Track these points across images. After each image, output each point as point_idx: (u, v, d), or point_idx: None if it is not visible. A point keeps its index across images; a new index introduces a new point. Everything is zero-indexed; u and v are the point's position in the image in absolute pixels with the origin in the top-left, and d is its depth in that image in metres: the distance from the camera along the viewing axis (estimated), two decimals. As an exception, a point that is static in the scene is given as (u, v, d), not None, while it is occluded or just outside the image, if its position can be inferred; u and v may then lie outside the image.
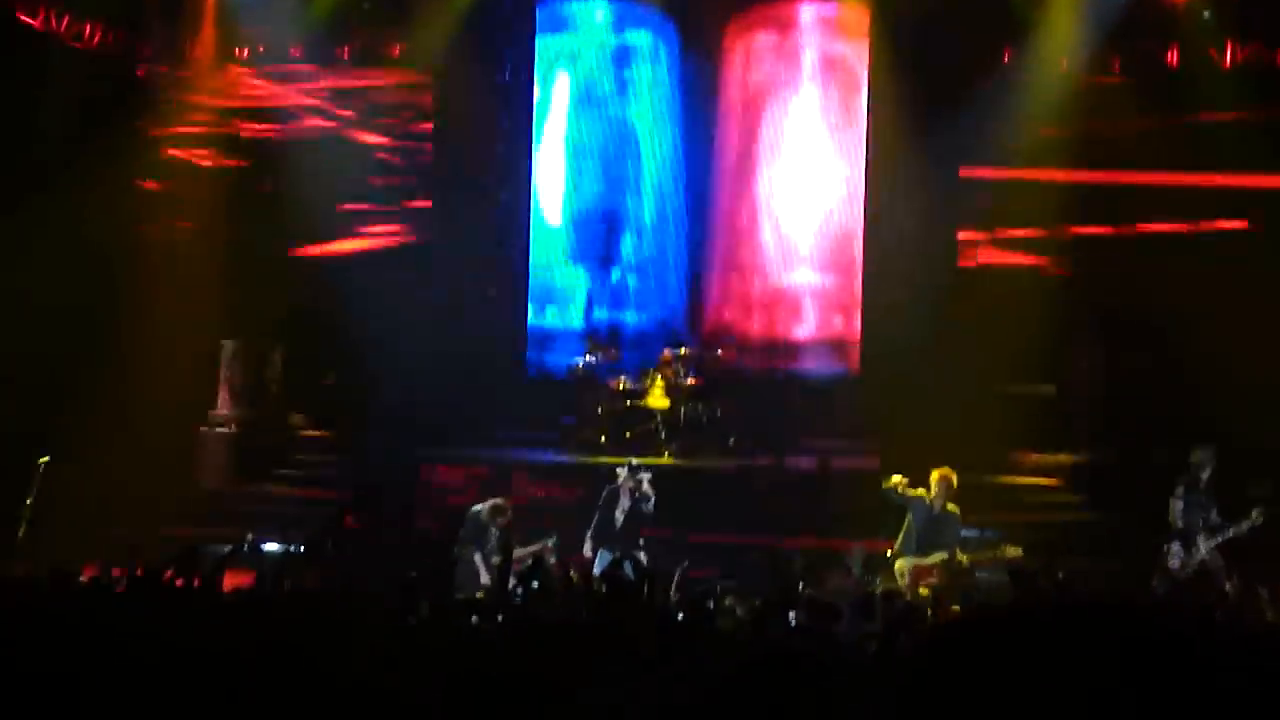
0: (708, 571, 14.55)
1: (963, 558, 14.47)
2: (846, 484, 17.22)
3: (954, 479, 14.76)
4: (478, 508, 15.37)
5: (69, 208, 18.30)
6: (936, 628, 2.03)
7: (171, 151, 20.85)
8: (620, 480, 15.72)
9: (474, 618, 9.81)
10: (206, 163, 20.97)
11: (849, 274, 21.30)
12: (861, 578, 14.74)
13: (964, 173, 20.60)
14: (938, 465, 14.93)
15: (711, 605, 11.08)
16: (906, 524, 14.79)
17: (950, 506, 14.70)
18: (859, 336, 21.14)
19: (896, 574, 14.54)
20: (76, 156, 18.78)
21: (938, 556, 14.47)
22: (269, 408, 19.54)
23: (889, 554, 14.92)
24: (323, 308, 19.95)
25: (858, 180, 21.17)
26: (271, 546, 14.56)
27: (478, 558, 14.65)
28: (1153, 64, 19.72)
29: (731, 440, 18.73)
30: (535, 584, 11.09)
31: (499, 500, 15.40)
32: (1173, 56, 19.58)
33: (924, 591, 13.87)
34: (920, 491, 14.82)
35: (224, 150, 21.07)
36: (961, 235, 20.76)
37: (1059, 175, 20.08)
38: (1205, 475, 14.94)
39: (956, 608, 12.06)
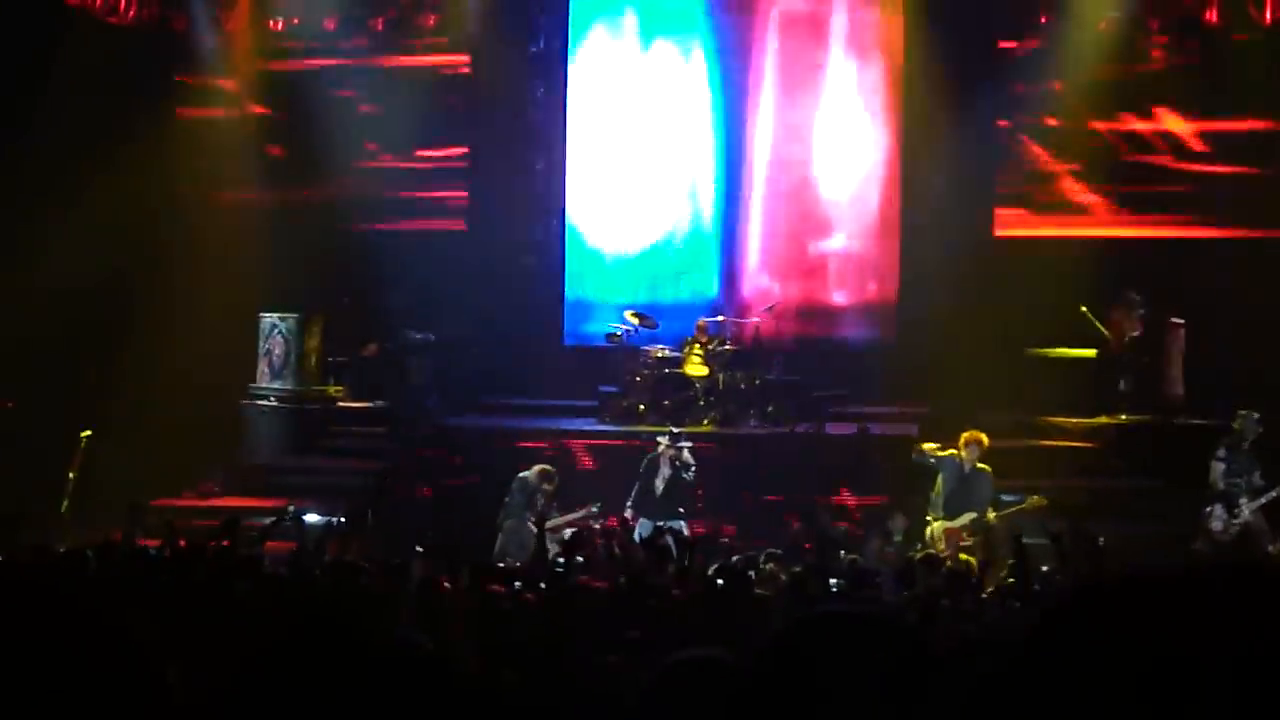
0: (755, 543, 14.55)
1: (991, 516, 14.43)
2: (886, 450, 17.16)
3: (984, 440, 14.70)
4: (525, 474, 15.39)
5: (105, 181, 18.34)
6: (1050, 605, 1.95)
7: (206, 124, 20.86)
8: (661, 449, 15.71)
9: (516, 585, 9.84)
10: (241, 135, 20.96)
11: (886, 239, 21.18)
12: (902, 544, 14.72)
13: (1000, 137, 20.47)
14: (975, 430, 14.90)
15: (753, 575, 11.09)
16: (937, 486, 14.77)
17: (981, 466, 14.65)
18: (896, 302, 21.05)
19: (929, 538, 14.51)
20: (111, 130, 18.82)
21: (967, 517, 14.44)
22: (309, 380, 19.55)
23: (928, 518, 14.91)
24: (361, 279, 19.97)
25: (894, 145, 21.06)
26: (313, 518, 14.58)
27: (530, 524, 14.67)
28: (1191, 23, 19.54)
29: (771, 408, 18.68)
30: (580, 557, 11.12)
31: (546, 466, 15.42)
32: (1212, 14, 19.39)
33: (965, 555, 13.85)
34: (951, 451, 14.80)
35: (259, 123, 21.08)
36: (998, 198, 20.62)
37: (1097, 136, 19.97)
38: (1248, 439, 14.85)
39: (1004, 573, 12.02)
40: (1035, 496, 14.51)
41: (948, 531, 14.43)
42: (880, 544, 14.80)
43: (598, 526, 14.50)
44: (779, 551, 13.14)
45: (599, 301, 21.52)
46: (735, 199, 21.57)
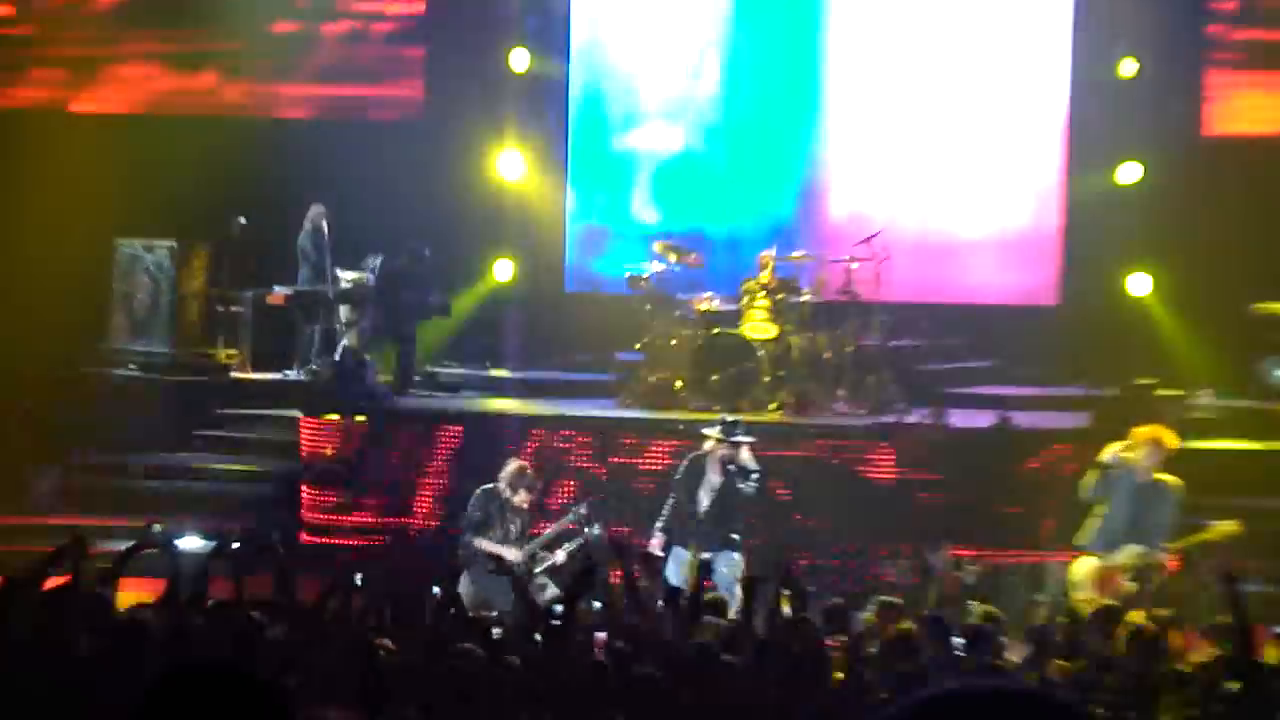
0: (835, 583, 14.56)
1: (1169, 549, 14.27)
2: (1039, 451, 17.12)
3: (1166, 440, 14.59)
4: (487, 486, 15.37)
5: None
6: None
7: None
8: (708, 446, 15.69)
9: (494, 631, 9.86)
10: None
11: (1045, 145, 21.12)
12: (1061, 592, 14.67)
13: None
14: (1155, 424, 14.76)
15: (846, 628, 11.09)
16: (1101, 507, 14.66)
17: (1163, 478, 14.54)
18: (1061, 236, 20.99)
19: (1069, 584, 14.43)
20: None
21: (1130, 552, 14.32)
22: (188, 338, 19.59)
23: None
24: (268, 196, 19.92)
25: (1061, 12, 20.97)
26: (191, 542, 14.64)
27: (480, 557, 14.66)
28: None
29: (868, 386, 18.67)
30: (595, 602, 11.12)
31: (522, 463, 15.40)
32: None
33: (1161, 611, 13.76)
34: (1126, 455, 14.63)
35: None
36: (1211, 84, 20.59)
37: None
38: None
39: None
40: (1225, 522, 14.42)
41: (1100, 573, 14.34)
42: (1025, 592, 14.75)
43: (588, 535, 14.59)
44: (896, 601, 13.05)
45: (617, 227, 21.54)
46: (816, 79, 21.52)
